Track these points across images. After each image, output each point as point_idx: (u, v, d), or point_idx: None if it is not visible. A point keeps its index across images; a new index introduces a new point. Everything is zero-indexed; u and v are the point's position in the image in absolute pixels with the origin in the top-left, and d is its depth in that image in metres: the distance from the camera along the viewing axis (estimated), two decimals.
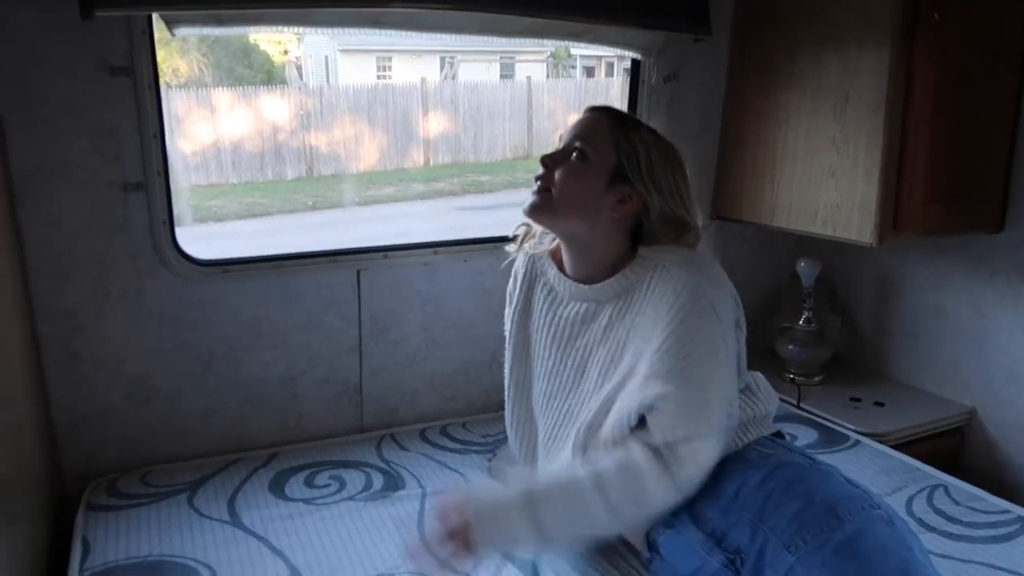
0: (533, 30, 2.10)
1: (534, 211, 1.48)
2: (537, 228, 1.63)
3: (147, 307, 1.89)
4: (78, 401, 1.88)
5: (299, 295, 2.04)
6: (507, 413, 1.65)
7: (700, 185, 2.46)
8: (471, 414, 2.28)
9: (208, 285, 1.94)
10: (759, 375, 1.56)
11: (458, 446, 2.11)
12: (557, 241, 1.57)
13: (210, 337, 1.97)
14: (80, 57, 1.69)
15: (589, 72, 21.30)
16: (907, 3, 1.88)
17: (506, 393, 1.65)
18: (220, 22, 1.77)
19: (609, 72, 20.46)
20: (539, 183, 1.46)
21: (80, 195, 1.77)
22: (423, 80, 15.71)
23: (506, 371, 1.65)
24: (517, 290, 1.64)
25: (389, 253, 2.12)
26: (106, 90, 1.73)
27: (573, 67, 21.93)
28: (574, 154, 1.45)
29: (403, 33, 1.99)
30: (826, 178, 2.11)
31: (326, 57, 17.40)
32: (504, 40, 1.93)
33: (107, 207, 1.80)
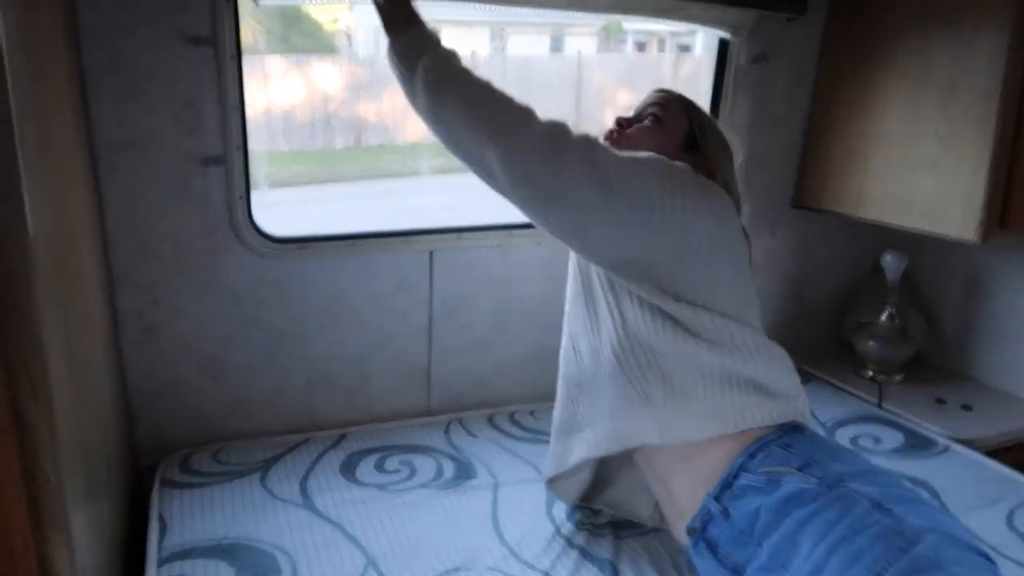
0: (621, 4, 2.02)
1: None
2: None
3: (221, 282, 1.87)
4: (152, 375, 1.87)
5: (371, 275, 2.00)
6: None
7: (783, 172, 2.37)
8: (538, 401, 2.23)
9: (282, 262, 1.91)
10: (775, 346, 1.41)
11: (527, 434, 2.06)
12: None
13: (282, 314, 1.94)
14: (163, 26, 1.65)
15: (640, 47, 21.01)
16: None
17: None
18: None
19: (660, 47, 20.20)
20: (607, 138, 1.50)
21: (160, 168, 1.74)
22: (473, 52, 15.66)
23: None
24: None
25: (463, 234, 2.07)
26: (188, 61, 1.69)
27: (624, 41, 21.67)
28: (648, 119, 1.50)
29: (476, 5, 1.92)
30: (925, 169, 2.00)
31: (376, 27, 17.40)
32: (569, 13, 1.86)
33: (186, 180, 1.77)
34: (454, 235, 2.06)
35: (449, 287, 2.09)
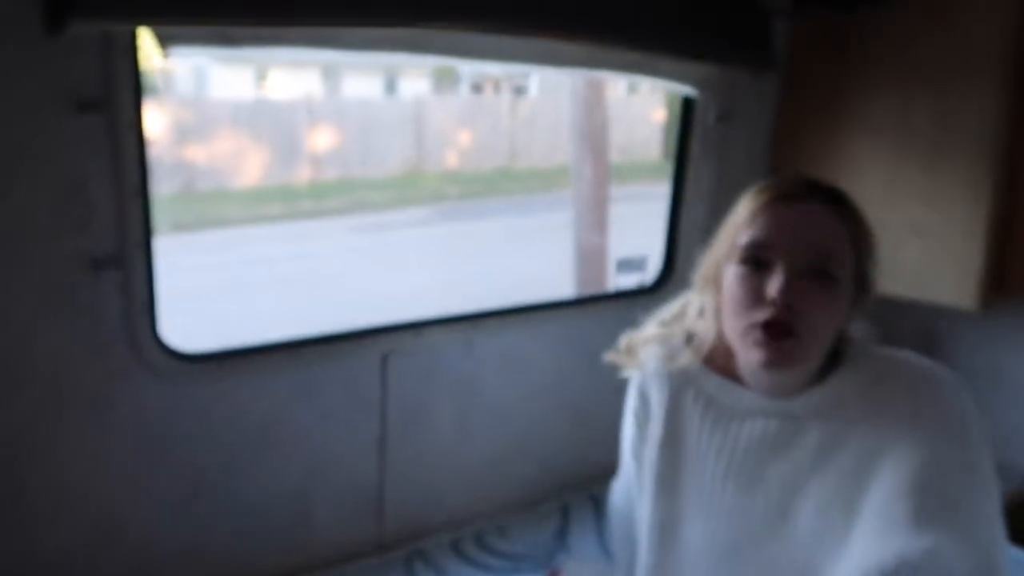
0: (588, 60, 1.78)
1: (781, 365, 1.07)
2: (655, 335, 1.28)
3: (118, 418, 1.41)
4: (19, 553, 1.36)
5: (314, 390, 1.60)
6: (642, 566, 1.27)
7: None
8: (503, 513, 1.91)
9: (201, 385, 1.47)
10: None
11: (502, 562, 1.74)
12: (710, 341, 1.21)
13: (201, 450, 1.50)
14: (41, 87, 1.20)
15: (476, 89, 21.19)
16: (1020, 43, 1.68)
17: (643, 537, 1.27)
18: (230, 41, 1.33)
19: (497, 89, 20.44)
20: (773, 328, 1.05)
21: (33, 272, 1.27)
22: (308, 94, 15.05)
23: (645, 511, 1.26)
24: (654, 414, 1.26)
25: (423, 330, 1.72)
26: (74, 131, 1.25)
27: (459, 83, 21.79)
28: (816, 276, 1.05)
29: (427, 56, 1.62)
30: (908, 233, 1.90)
31: (199, 67, 16.35)
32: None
33: (69, 288, 1.31)
34: (412, 332, 1.71)
35: (406, 394, 1.73)
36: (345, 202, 13.70)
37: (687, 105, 2.01)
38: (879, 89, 1.92)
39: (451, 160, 16.02)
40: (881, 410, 1.08)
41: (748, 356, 1.09)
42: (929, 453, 1.02)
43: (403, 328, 1.70)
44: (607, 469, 1.41)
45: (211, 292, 7.98)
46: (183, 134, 12.71)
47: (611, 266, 7.30)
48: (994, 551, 1.00)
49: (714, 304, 1.17)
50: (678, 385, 1.23)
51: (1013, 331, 2.11)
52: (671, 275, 2.10)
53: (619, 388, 2.10)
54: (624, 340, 1.30)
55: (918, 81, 1.84)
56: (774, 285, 1.04)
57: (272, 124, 13.64)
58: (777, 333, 1.04)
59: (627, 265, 1.90)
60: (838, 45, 1.98)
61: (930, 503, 1.00)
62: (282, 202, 12.85)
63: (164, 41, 1.28)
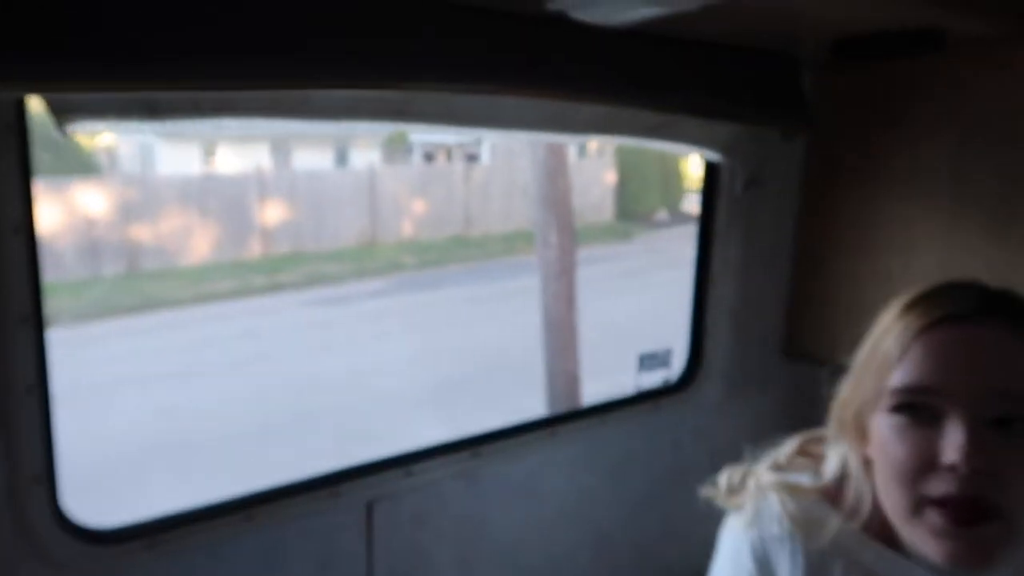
0: (602, 124, 1.49)
1: (978, 566, 0.76)
2: (777, 483, 0.95)
3: None
4: None
5: (278, 559, 1.22)
6: None
7: (773, 317, 1.92)
8: None
9: (124, 573, 1.08)
10: None
11: None
12: (868, 505, 0.87)
13: None
14: None
15: (429, 157, 21.15)
16: None
17: None
18: (154, 114, 0.99)
19: (449, 157, 20.44)
20: (957, 508, 0.74)
21: None
22: (259, 167, 14.72)
23: None
24: None
25: (413, 467, 1.36)
26: None
27: (410, 152, 21.77)
28: (1018, 429, 0.75)
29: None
30: None
31: (144, 143, 15.93)
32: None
33: None
34: (400, 470, 1.34)
35: (396, 546, 1.35)
36: (299, 275, 13.31)
37: (710, 173, 1.73)
38: (928, 145, 1.66)
39: (406, 229, 15.79)
40: None
41: (924, 547, 0.78)
42: None
43: (389, 466, 1.33)
44: None
45: (148, 382, 7.45)
46: (128, 213, 12.23)
47: (578, 335, 7.01)
48: None
49: (858, 458, 0.85)
50: (820, 556, 0.89)
51: None
52: (699, 368, 1.79)
53: (650, 504, 1.77)
54: (730, 476, 0.98)
55: (975, 133, 1.59)
56: (953, 445, 0.73)
57: (221, 199, 13.26)
58: (966, 516, 0.73)
59: (651, 360, 1.59)
60: (875, 96, 1.73)
61: None
62: (233, 278, 12.38)
63: (63, 114, 0.94)
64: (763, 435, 1.80)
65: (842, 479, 0.90)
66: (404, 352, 8.53)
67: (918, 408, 0.77)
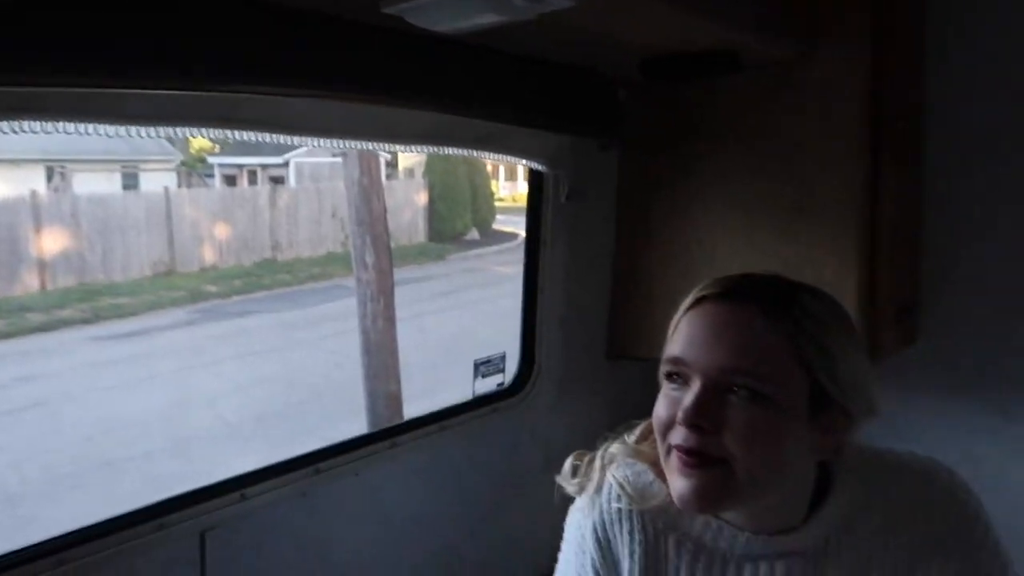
0: (433, 135, 1.50)
1: (706, 503, 0.91)
2: (622, 451, 1.02)
3: None
4: None
5: None
6: None
7: (595, 322, 2.02)
8: None
9: None
10: None
11: None
12: None
13: None
14: None
15: (230, 180, 20.09)
16: (873, 113, 1.66)
17: None
18: None
19: (252, 180, 19.55)
20: (690, 455, 0.89)
21: None
22: (34, 193, 13.27)
23: None
24: (625, 568, 0.99)
25: (248, 490, 1.27)
26: None
27: (210, 175, 20.60)
28: (741, 395, 0.87)
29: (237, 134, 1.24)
30: None
31: None
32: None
33: None
34: (235, 495, 1.25)
35: None
36: (86, 310, 12.14)
37: (535, 185, 1.79)
38: (729, 157, 1.82)
39: (209, 256, 14.92)
40: (893, 528, 0.93)
41: (672, 489, 0.92)
42: (963, 568, 0.91)
43: (222, 491, 1.24)
44: None
45: None
46: None
47: (399, 356, 6.96)
48: None
49: None
50: (657, 529, 0.98)
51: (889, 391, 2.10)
52: (532, 371, 1.84)
53: (494, 510, 1.78)
54: (575, 460, 1.06)
55: (769, 147, 1.77)
56: (684, 405, 0.88)
57: None
58: (692, 461, 0.88)
59: (487, 366, 1.62)
60: (680, 112, 1.87)
61: None
62: (2, 317, 11.05)
63: None
64: (595, 433, 1.88)
65: None
66: (215, 385, 8.02)
67: (678, 376, 0.91)
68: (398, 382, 6.81)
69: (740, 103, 1.79)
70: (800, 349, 0.88)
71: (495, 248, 15.92)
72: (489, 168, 19.44)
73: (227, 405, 7.45)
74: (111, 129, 1.02)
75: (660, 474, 0.97)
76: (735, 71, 1.68)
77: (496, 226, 17.81)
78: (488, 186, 19.44)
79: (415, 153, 2.08)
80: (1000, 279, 1.88)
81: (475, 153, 1.60)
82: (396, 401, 6.76)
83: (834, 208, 1.71)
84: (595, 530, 1.01)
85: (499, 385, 1.81)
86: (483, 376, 1.74)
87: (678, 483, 0.89)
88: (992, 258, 1.88)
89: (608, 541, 1.00)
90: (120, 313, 12.46)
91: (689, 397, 0.88)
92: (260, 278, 14.59)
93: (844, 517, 0.93)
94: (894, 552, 0.92)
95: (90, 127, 1.01)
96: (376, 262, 6.76)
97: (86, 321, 11.86)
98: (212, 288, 13.88)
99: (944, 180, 1.88)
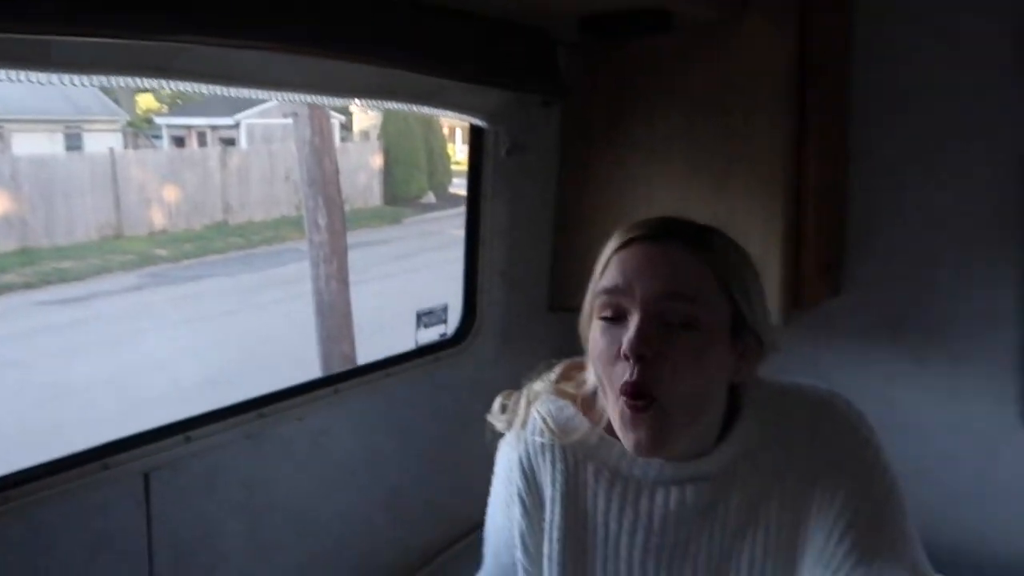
0: (378, 89, 1.52)
1: (656, 447, 0.95)
2: (545, 389, 1.09)
3: None
4: None
5: (39, 546, 1.13)
6: None
7: (539, 275, 2.08)
8: None
9: None
10: None
11: None
12: (603, 410, 1.02)
13: None
14: None
15: (179, 142, 19.56)
16: (800, 70, 1.72)
17: None
18: None
19: (202, 142, 19.04)
20: (638, 397, 0.92)
21: None
22: None
23: None
24: (548, 496, 1.05)
25: (193, 432, 1.31)
26: None
27: (158, 137, 20.01)
28: (676, 325, 0.93)
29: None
30: None
31: None
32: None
33: None
34: (180, 438, 1.29)
35: (179, 519, 1.30)
36: (29, 275, 11.83)
37: (476, 141, 1.82)
38: (664, 113, 1.88)
39: (158, 219, 14.59)
40: (794, 453, 1.00)
41: (621, 435, 0.96)
42: (854, 487, 0.97)
43: (166, 434, 1.28)
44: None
45: None
46: None
47: (352, 318, 6.96)
48: (927, 570, 0.97)
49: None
50: (576, 459, 1.05)
51: (808, 344, 2.19)
52: (474, 323, 1.89)
53: (438, 456, 1.83)
54: (503, 398, 1.13)
55: (702, 104, 1.83)
56: (627, 336, 0.92)
57: None
58: (638, 402, 0.92)
59: (428, 316, 1.67)
60: (618, 70, 1.92)
61: (869, 538, 0.95)
62: None
63: None
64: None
65: (595, 392, 1.03)
66: (166, 349, 7.94)
67: (613, 312, 0.94)
68: (352, 343, 6.83)
69: (675, 61, 1.84)
70: (721, 279, 0.95)
71: (451, 211, 15.87)
72: (446, 131, 19.29)
73: (177, 370, 7.38)
74: (39, 76, 1.02)
75: (582, 409, 1.03)
76: (669, 30, 1.73)
77: (453, 189, 17.73)
78: (444, 149, 19.28)
79: (358, 107, 2.06)
80: (919, 235, 1.97)
81: (416, 108, 1.63)
82: (350, 362, 6.78)
83: (762, 164, 1.77)
84: (520, 461, 1.07)
85: (441, 335, 1.86)
86: (425, 326, 1.79)
87: (631, 435, 0.93)
88: (913, 215, 1.97)
89: (533, 471, 1.06)
90: (65, 277, 12.17)
91: (632, 328, 0.92)
92: (211, 241, 14.36)
93: (750, 442, 1.00)
94: (794, 475, 0.99)
95: (12, 73, 1.00)
96: (329, 223, 6.73)
97: (29, 286, 11.58)
98: (162, 252, 13.62)
99: (867, 135, 1.95)
